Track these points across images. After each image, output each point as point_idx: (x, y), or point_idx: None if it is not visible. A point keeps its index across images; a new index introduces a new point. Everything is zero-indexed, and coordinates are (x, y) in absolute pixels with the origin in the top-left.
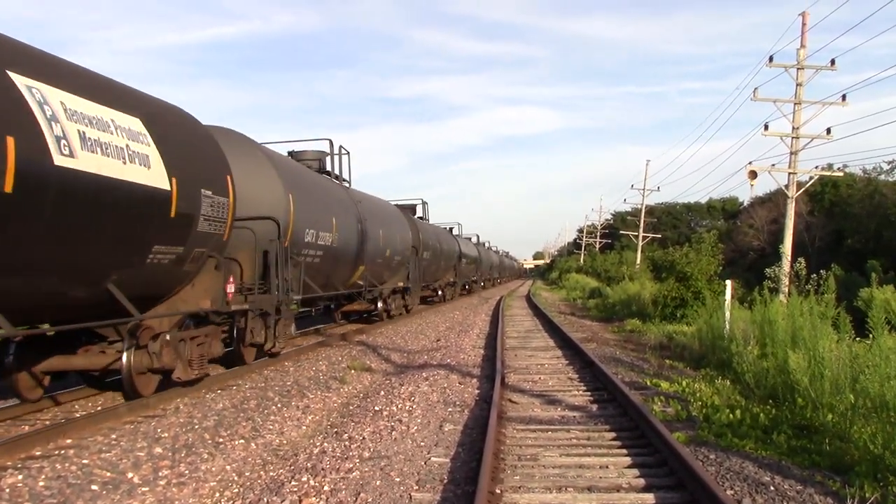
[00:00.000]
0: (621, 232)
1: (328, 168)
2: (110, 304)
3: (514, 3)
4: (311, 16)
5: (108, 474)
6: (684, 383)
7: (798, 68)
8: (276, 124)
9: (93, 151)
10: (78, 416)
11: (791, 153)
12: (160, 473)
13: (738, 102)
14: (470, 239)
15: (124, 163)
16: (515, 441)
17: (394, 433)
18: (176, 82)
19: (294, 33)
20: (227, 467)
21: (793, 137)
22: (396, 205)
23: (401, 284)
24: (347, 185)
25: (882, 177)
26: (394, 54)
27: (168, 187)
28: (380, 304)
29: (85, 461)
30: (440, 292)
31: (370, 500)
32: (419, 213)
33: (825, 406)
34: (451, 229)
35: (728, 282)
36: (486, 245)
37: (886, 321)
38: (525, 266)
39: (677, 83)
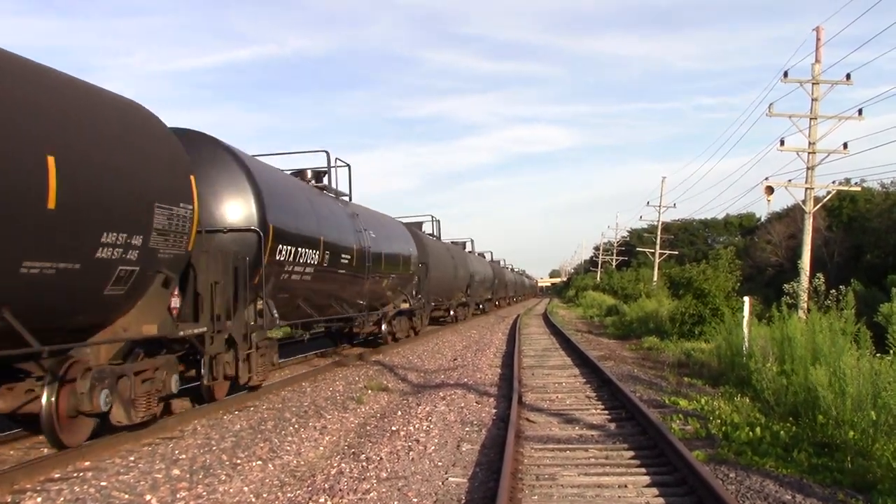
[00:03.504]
0: (638, 249)
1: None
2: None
3: (526, 22)
4: (324, 39)
5: (127, 496)
6: (703, 401)
7: (813, 83)
8: (293, 145)
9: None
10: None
11: (808, 168)
12: (178, 495)
13: (753, 118)
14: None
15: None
16: (533, 460)
17: (411, 453)
18: (193, 106)
19: (307, 56)
20: (245, 489)
21: (809, 153)
22: (454, 242)
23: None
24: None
25: None
26: (406, 75)
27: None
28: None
29: (103, 483)
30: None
31: None
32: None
33: (846, 423)
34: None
35: (746, 298)
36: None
37: None
38: (541, 284)
39: (691, 99)
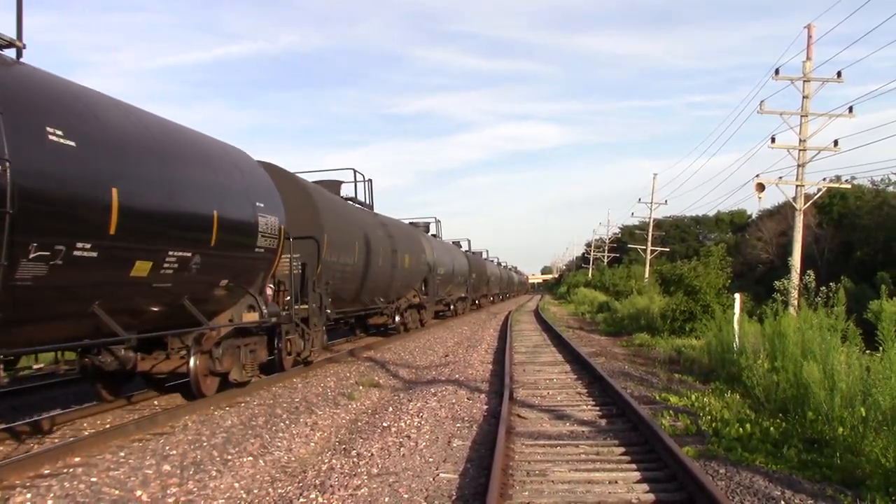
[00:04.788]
0: (629, 246)
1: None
2: None
3: (520, 20)
4: (316, 36)
5: (117, 492)
6: (693, 397)
7: (804, 81)
8: (284, 143)
9: None
10: (87, 434)
11: (798, 165)
12: (169, 491)
13: (744, 115)
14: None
15: None
16: (524, 456)
17: (402, 449)
18: (185, 102)
19: (299, 53)
20: (236, 484)
21: (800, 150)
22: (413, 223)
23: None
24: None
25: (890, 188)
26: (399, 72)
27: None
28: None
29: (93, 479)
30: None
31: None
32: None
33: (836, 419)
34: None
35: (737, 295)
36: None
37: None
38: (533, 281)
39: (683, 97)
